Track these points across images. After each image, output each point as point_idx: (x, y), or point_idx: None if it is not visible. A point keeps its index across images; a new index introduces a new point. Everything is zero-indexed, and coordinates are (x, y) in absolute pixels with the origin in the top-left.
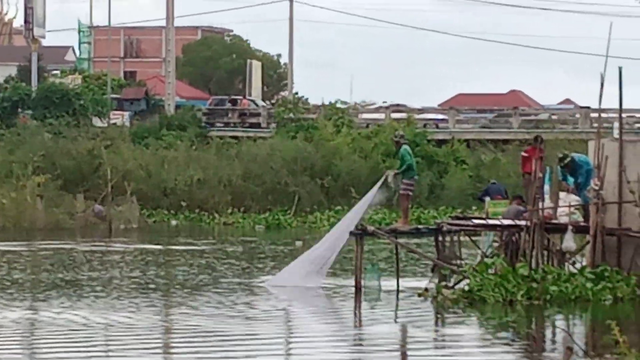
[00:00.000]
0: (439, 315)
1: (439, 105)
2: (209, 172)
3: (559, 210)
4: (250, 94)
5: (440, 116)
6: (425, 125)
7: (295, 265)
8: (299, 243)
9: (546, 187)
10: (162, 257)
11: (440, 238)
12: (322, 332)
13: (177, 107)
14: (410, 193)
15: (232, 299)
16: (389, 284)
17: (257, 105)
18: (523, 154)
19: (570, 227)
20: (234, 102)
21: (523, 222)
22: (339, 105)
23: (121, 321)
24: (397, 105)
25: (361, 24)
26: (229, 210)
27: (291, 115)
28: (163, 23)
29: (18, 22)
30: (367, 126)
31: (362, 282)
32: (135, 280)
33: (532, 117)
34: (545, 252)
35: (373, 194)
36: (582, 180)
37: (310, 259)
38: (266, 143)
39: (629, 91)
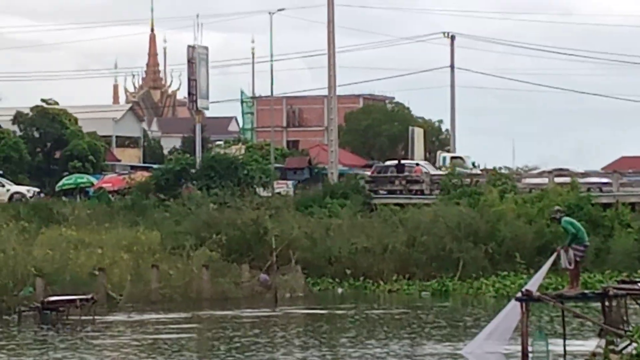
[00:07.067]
0: None
1: (601, 168)
2: (373, 240)
3: None
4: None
5: (604, 180)
6: (589, 189)
7: (485, 331)
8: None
9: None
10: (332, 325)
11: (606, 302)
12: None
13: (340, 175)
14: (579, 259)
15: None
16: (556, 348)
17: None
18: None
19: None
20: (401, 167)
21: None
22: (502, 170)
23: None
24: (560, 169)
25: (521, 89)
26: (394, 278)
27: (455, 181)
28: (324, 92)
29: (182, 94)
30: (530, 191)
31: (530, 348)
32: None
33: None
34: None
35: (547, 268)
36: None
37: (495, 326)
38: (430, 209)
39: None
